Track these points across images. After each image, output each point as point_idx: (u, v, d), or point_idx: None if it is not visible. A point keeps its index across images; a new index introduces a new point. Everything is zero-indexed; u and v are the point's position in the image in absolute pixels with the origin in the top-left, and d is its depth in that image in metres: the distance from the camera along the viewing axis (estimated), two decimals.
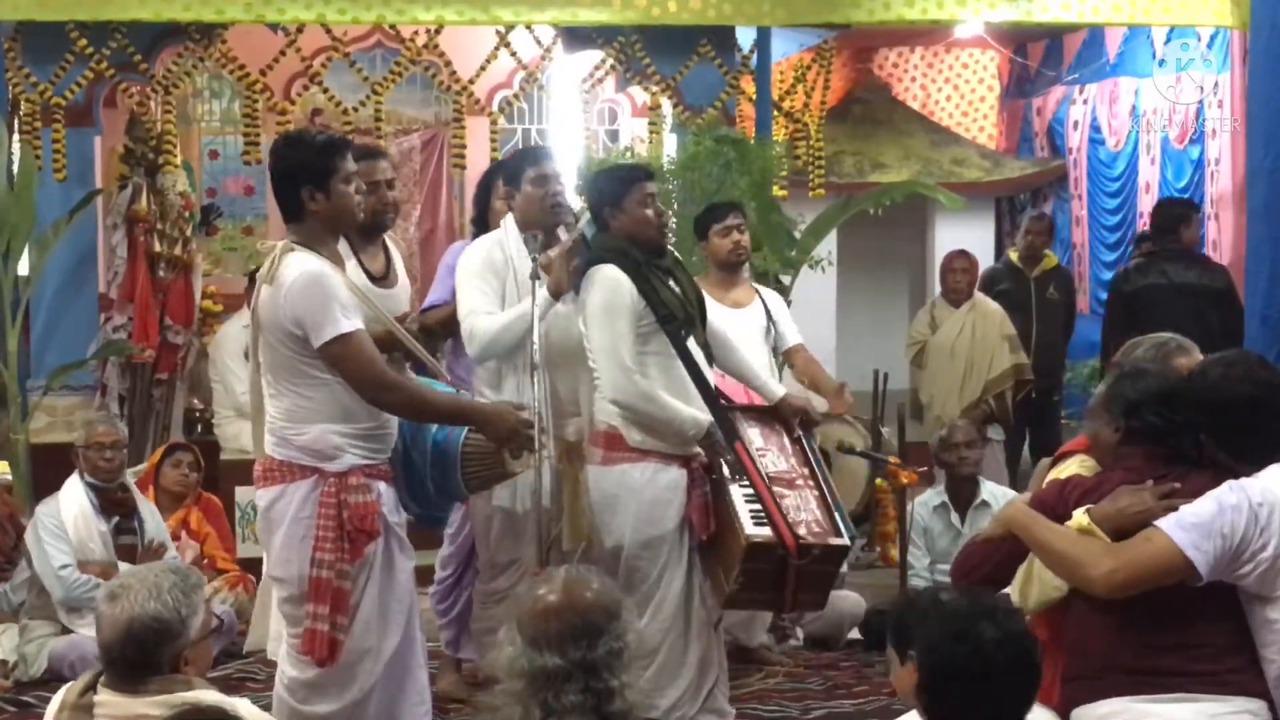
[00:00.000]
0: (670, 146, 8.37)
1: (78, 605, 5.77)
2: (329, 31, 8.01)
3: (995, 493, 6.46)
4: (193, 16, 7.54)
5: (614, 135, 10.44)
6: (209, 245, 9.35)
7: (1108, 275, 10.26)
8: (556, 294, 4.66)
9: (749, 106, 8.52)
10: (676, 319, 4.56)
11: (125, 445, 6.21)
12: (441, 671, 5.40)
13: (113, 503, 6.01)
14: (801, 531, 4.45)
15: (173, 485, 6.54)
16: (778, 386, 5.01)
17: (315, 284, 3.81)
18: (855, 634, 6.45)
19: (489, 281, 4.80)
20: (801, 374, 5.93)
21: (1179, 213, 7.61)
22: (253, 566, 6.35)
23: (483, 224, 5.47)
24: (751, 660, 5.94)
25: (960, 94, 12.14)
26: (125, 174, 8.28)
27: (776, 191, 8.08)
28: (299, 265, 3.84)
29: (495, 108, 8.61)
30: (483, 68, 8.29)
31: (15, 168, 7.74)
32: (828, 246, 8.53)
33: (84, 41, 7.77)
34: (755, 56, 8.38)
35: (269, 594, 5.10)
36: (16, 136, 8.00)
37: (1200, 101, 9.15)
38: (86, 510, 5.92)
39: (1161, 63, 9.67)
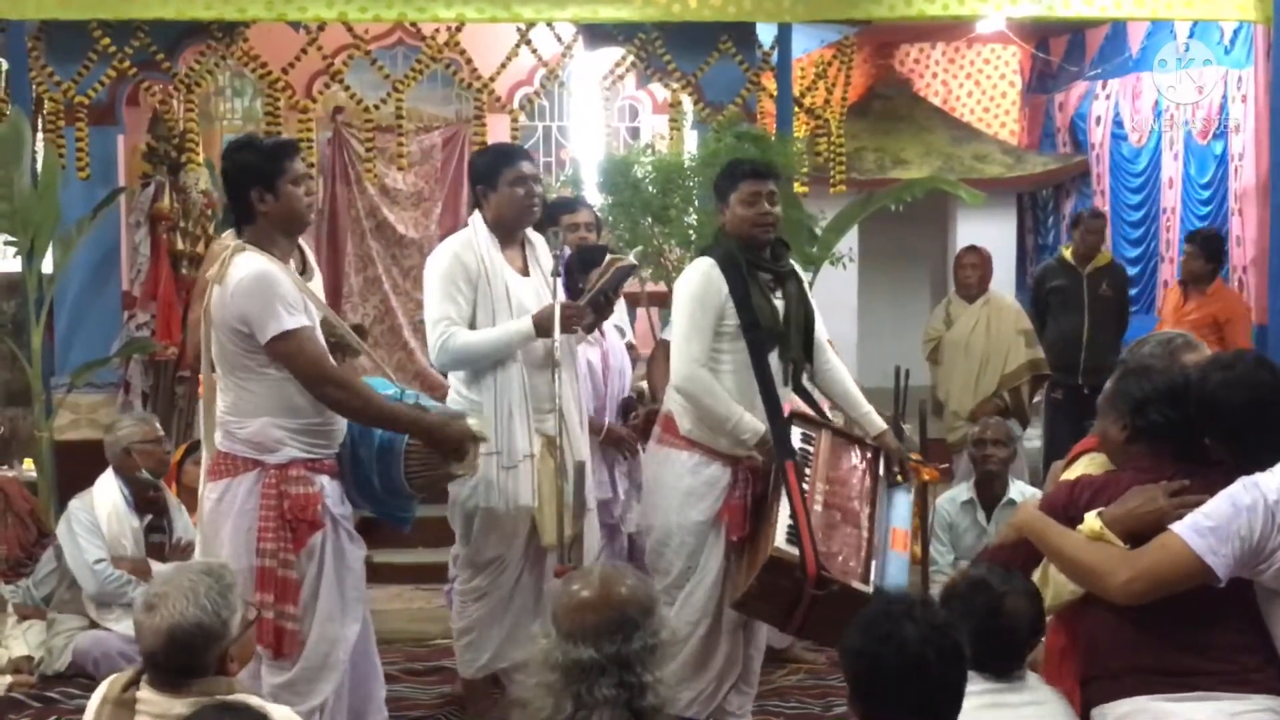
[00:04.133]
0: (691, 143, 8.37)
1: (109, 600, 5.83)
2: (350, 29, 8.02)
3: (1025, 491, 6.43)
4: (215, 15, 7.56)
5: (635, 132, 10.44)
6: None
7: (1132, 271, 10.23)
8: (538, 330, 4.61)
9: (770, 103, 8.49)
10: (760, 328, 4.54)
11: None
12: None
13: (146, 500, 6.05)
14: (831, 565, 4.38)
15: (194, 483, 6.51)
16: (879, 421, 4.86)
17: (260, 283, 3.93)
18: None
19: (459, 288, 4.68)
20: None
21: None
22: None
23: None
24: (784, 660, 5.94)
25: (982, 90, 12.09)
26: (148, 172, 8.31)
27: (797, 188, 8.06)
28: (246, 265, 3.96)
29: (516, 105, 8.63)
30: (503, 65, 8.30)
31: (39, 166, 7.77)
32: (849, 243, 8.50)
33: (107, 40, 7.80)
34: (776, 53, 8.36)
35: None
36: (40, 135, 8.04)
37: (1224, 96, 9.11)
38: (120, 507, 5.97)
39: (1163, 63, 9.65)
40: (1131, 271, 10.26)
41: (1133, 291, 10.20)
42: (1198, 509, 3.20)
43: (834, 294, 8.87)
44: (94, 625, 5.89)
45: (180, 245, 8.10)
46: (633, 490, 5.54)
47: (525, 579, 4.82)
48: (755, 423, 4.53)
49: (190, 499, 6.51)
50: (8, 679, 5.77)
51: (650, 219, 7.57)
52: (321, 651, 4.10)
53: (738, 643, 4.71)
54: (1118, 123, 10.49)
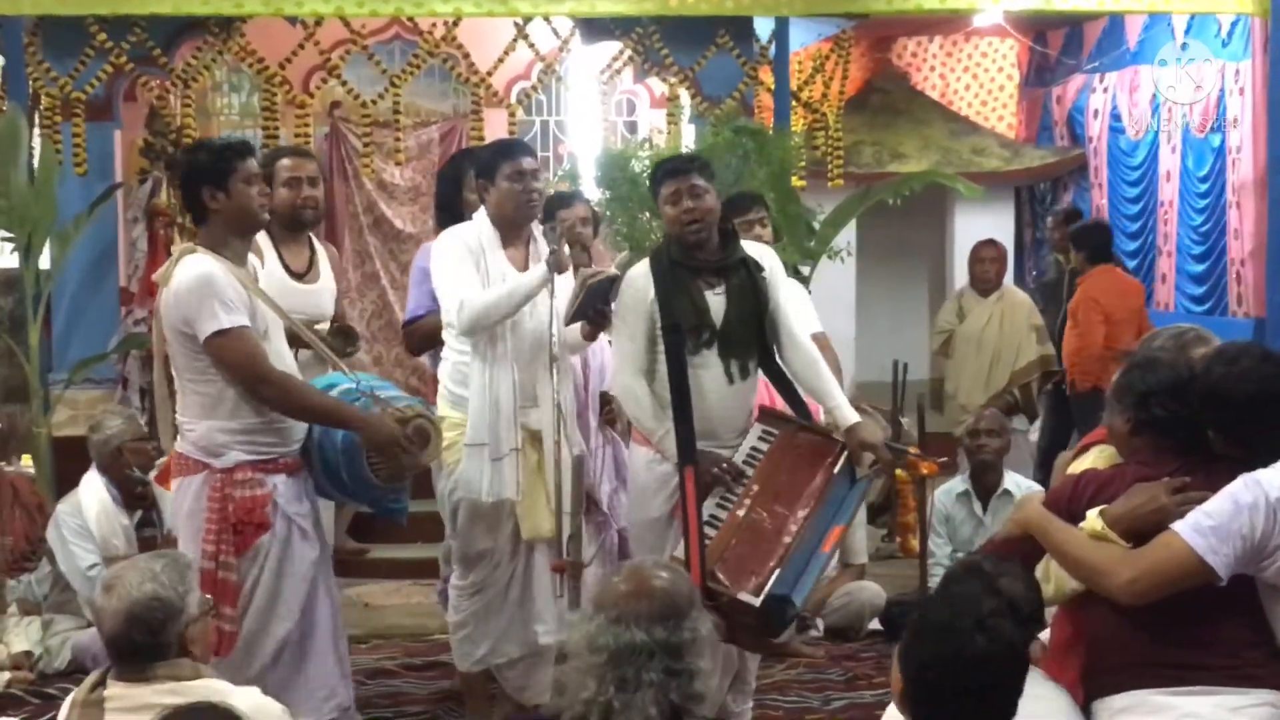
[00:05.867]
0: (689, 137, 8.37)
1: None
2: (347, 24, 8.01)
3: (1020, 483, 6.44)
4: (212, 10, 7.56)
5: (632, 126, 10.44)
6: None
7: (1129, 264, 10.23)
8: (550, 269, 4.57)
9: (767, 97, 8.50)
10: (679, 328, 4.47)
11: None
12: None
13: (134, 497, 6.03)
14: (721, 574, 4.25)
15: None
16: (849, 414, 4.62)
17: (200, 284, 4.01)
18: (875, 625, 6.45)
19: (468, 265, 4.66)
20: None
21: None
22: None
23: (454, 216, 5.31)
24: (782, 654, 5.92)
25: (979, 83, 12.09)
26: (145, 168, 8.32)
27: (795, 182, 8.06)
28: (190, 267, 4.05)
29: (513, 99, 8.62)
30: (500, 59, 8.30)
31: (36, 162, 7.77)
32: (847, 237, 8.51)
33: (104, 36, 7.79)
34: (773, 47, 8.36)
35: None
36: (37, 131, 8.04)
37: (1222, 90, 9.11)
38: (108, 506, 5.94)
39: (1163, 62, 9.66)
40: (1129, 265, 10.25)
41: None
42: (1199, 507, 3.19)
43: (832, 288, 8.88)
44: (90, 624, 5.89)
45: (178, 241, 8.09)
46: (620, 485, 5.53)
47: (518, 573, 4.82)
48: (669, 439, 4.46)
49: None
50: (6, 675, 5.76)
51: (648, 214, 7.57)
52: (242, 645, 4.16)
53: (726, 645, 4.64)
54: (1115, 116, 10.48)
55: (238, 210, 4.12)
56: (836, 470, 4.50)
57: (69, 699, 3.18)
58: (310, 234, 5.09)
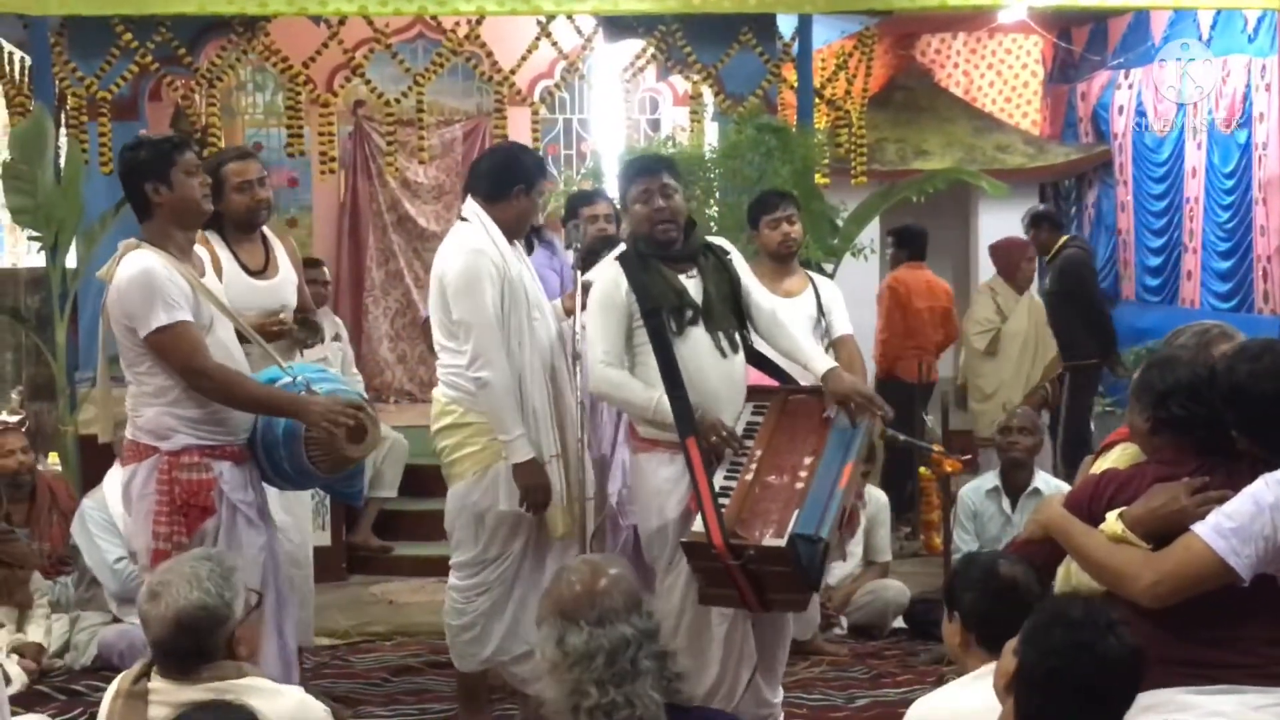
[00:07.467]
0: (712, 135, 8.36)
1: (132, 597, 5.81)
2: (371, 23, 8.04)
3: (1050, 482, 6.41)
4: (236, 10, 7.60)
5: (655, 124, 10.45)
6: None
7: (1155, 261, 10.20)
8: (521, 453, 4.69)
9: (790, 94, 8.49)
10: (660, 312, 4.49)
11: None
12: None
13: None
14: (742, 533, 4.26)
15: None
16: (823, 362, 4.64)
17: (141, 280, 4.10)
18: (899, 623, 6.44)
19: (495, 291, 4.66)
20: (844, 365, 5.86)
21: None
22: None
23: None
24: (806, 652, 5.92)
25: (1004, 80, 12.05)
26: None
27: (819, 179, 8.05)
28: (132, 263, 4.14)
29: (537, 98, 8.63)
30: (524, 58, 8.30)
31: (62, 161, 7.81)
32: (870, 234, 8.49)
33: (129, 35, 7.83)
34: (797, 44, 8.35)
35: None
36: (63, 130, 8.08)
37: (1248, 85, 9.07)
38: None
39: (1163, 60, 9.62)
40: (1154, 262, 10.23)
41: (1154, 282, 10.18)
42: (1220, 508, 3.17)
43: (855, 286, 8.84)
44: (116, 620, 5.91)
45: (207, 240, 8.12)
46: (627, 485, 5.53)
47: (524, 571, 4.83)
48: (661, 397, 4.46)
49: None
50: (16, 659, 5.74)
51: None
52: None
53: (741, 630, 4.61)
54: (1140, 112, 10.44)
55: (181, 202, 4.21)
56: (832, 416, 4.56)
57: (112, 688, 3.18)
58: (262, 229, 5.13)
